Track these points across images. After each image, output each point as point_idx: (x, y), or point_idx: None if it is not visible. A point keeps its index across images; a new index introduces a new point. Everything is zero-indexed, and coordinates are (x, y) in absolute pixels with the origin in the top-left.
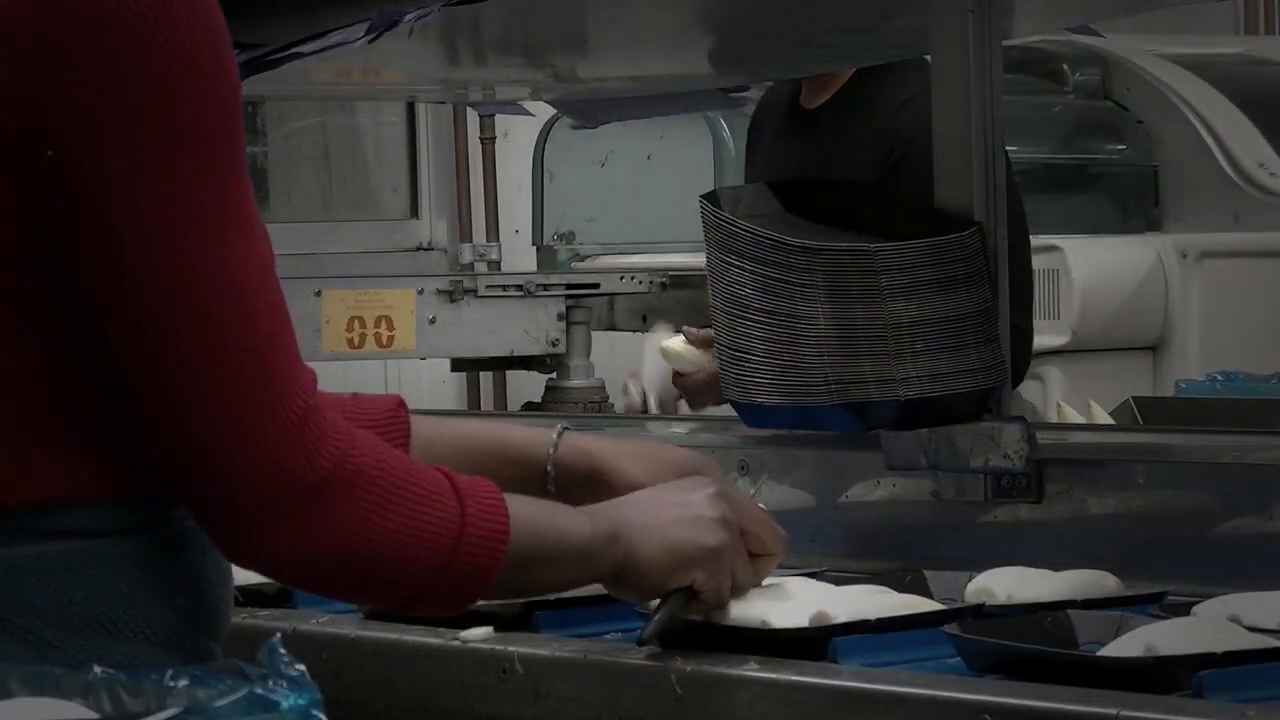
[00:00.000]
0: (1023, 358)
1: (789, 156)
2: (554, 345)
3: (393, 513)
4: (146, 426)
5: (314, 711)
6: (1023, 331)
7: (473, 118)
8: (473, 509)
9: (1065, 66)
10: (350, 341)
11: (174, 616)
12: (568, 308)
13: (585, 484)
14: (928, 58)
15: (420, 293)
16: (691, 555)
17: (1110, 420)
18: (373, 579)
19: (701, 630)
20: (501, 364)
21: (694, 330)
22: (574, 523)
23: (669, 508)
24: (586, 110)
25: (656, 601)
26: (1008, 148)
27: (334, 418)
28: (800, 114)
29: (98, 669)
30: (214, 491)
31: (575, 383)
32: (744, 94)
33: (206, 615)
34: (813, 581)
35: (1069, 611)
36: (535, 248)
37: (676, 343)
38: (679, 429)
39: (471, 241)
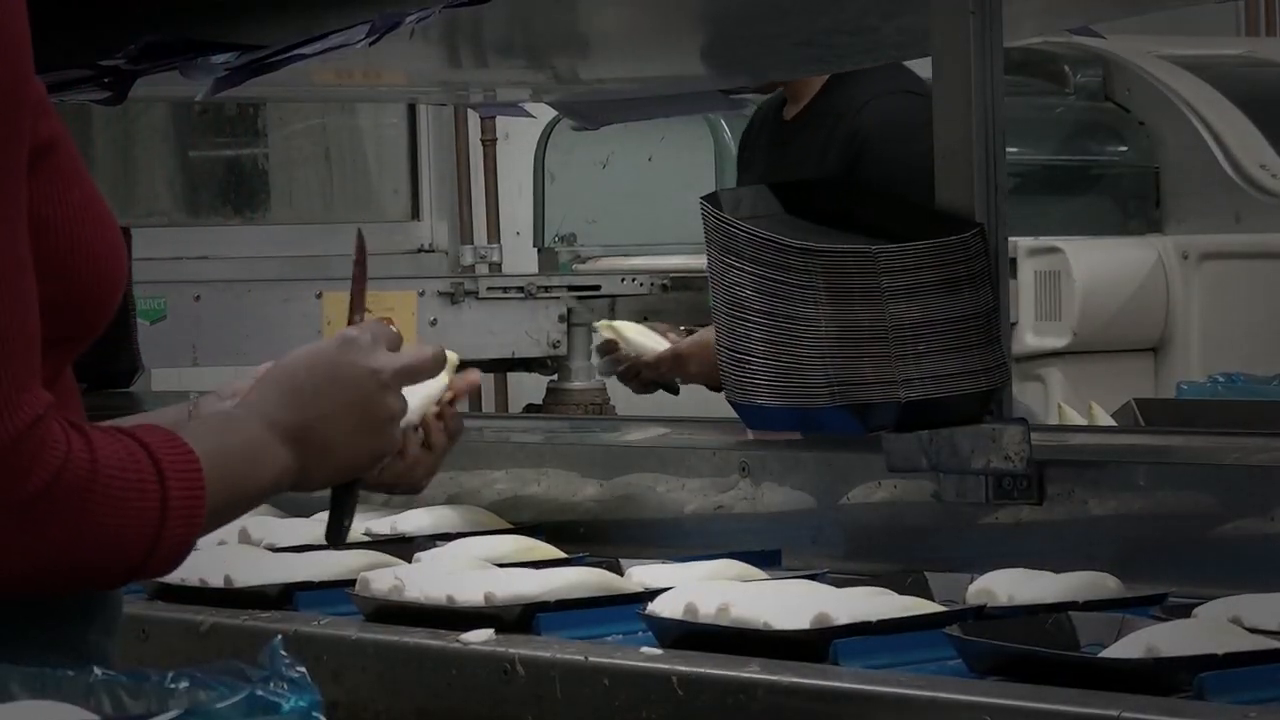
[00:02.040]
0: None
1: (771, 169)
2: (555, 347)
3: (100, 517)
4: None
5: (315, 713)
6: None
7: (474, 119)
8: (174, 488)
9: (1066, 68)
10: None
11: None
12: (569, 309)
13: None
14: (905, 61)
15: (421, 294)
16: (369, 465)
17: (1111, 422)
18: (81, 579)
19: (703, 632)
20: (503, 366)
21: (659, 326)
22: (261, 470)
23: (345, 426)
24: (587, 112)
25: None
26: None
27: (55, 428)
28: (781, 126)
29: (99, 671)
30: None
31: (576, 384)
32: (744, 95)
33: None
34: (814, 583)
35: (1070, 613)
36: (536, 249)
37: (625, 325)
38: (680, 428)
39: (472, 243)
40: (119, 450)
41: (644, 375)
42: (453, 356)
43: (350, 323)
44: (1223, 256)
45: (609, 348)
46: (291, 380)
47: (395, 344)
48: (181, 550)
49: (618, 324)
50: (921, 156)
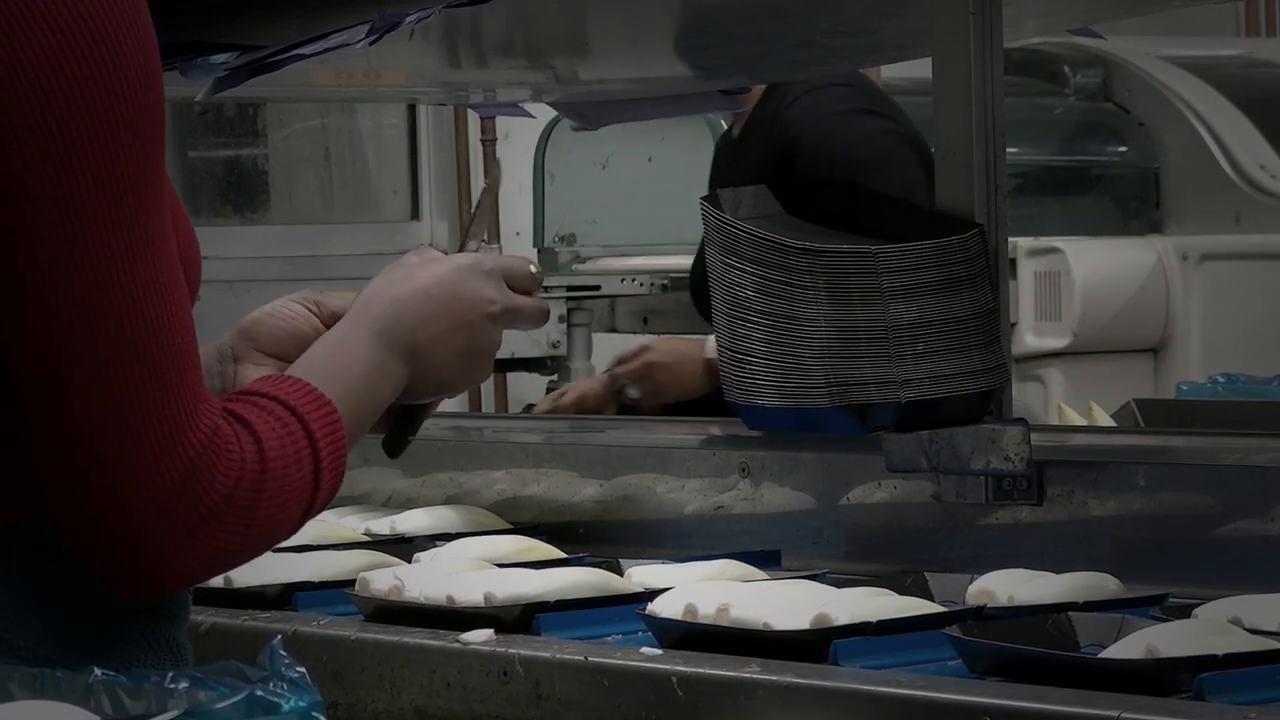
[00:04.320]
0: None
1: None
2: (555, 347)
3: (270, 506)
4: (40, 445)
5: (314, 714)
6: None
7: (473, 120)
8: (324, 449)
9: (1066, 68)
10: None
11: (29, 633)
12: (569, 310)
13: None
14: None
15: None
16: (457, 390)
17: (1111, 422)
18: (240, 563)
19: (703, 632)
20: (502, 366)
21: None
22: (380, 394)
23: (452, 347)
24: (587, 112)
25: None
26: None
27: (228, 431)
28: (732, 146)
29: (98, 671)
30: (110, 510)
31: None
32: (745, 95)
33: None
34: (814, 584)
35: (1070, 614)
36: (536, 250)
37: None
38: (682, 429)
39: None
40: (278, 430)
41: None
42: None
43: (462, 248)
44: (1223, 257)
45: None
46: (411, 294)
47: (521, 281)
48: (331, 498)
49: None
50: (859, 144)
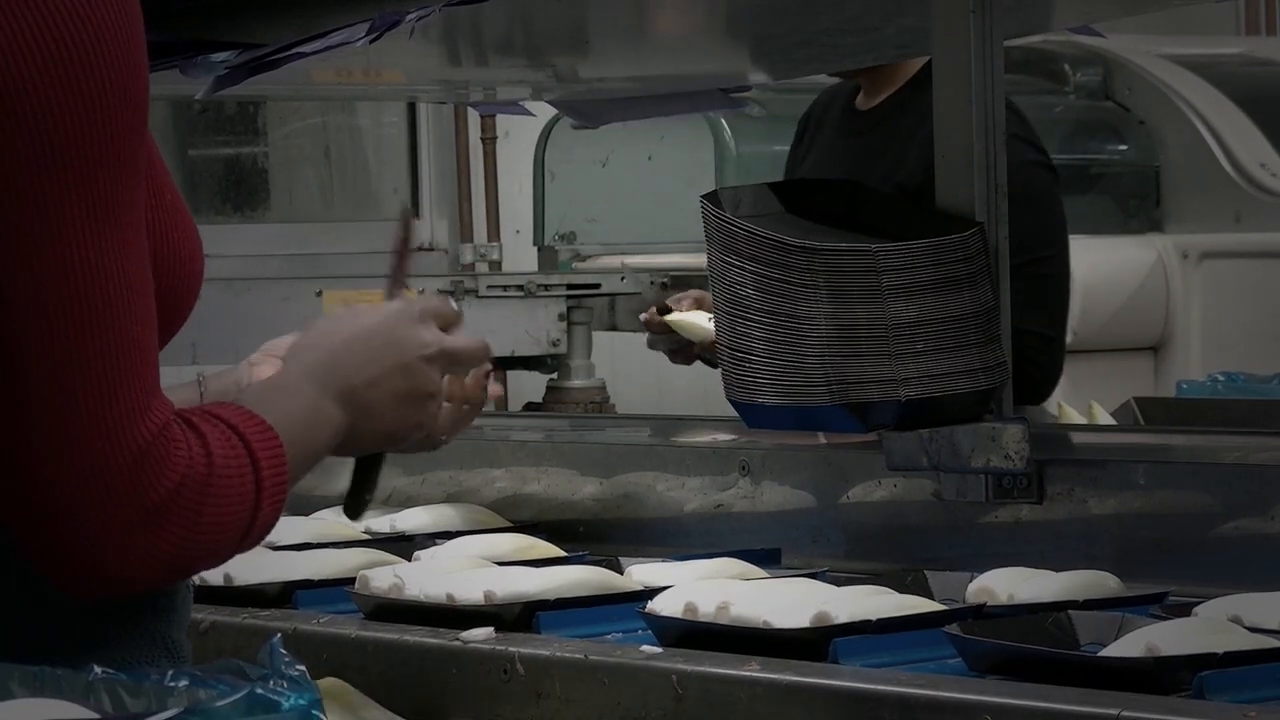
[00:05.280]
0: (1052, 365)
1: (837, 157)
2: (555, 345)
3: (214, 513)
4: None
5: (314, 712)
6: (1049, 339)
7: (473, 118)
8: (265, 469)
9: (1066, 67)
10: None
11: (24, 630)
12: (569, 308)
13: None
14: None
15: (421, 293)
16: (403, 439)
17: (1111, 421)
18: (187, 573)
19: (703, 631)
20: (502, 364)
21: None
22: (321, 433)
23: (391, 390)
24: (587, 111)
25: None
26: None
27: (177, 431)
28: (853, 114)
29: (98, 669)
30: (56, 496)
31: (576, 383)
32: (745, 94)
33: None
34: (814, 582)
35: (1070, 612)
36: (536, 248)
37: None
38: (680, 427)
39: (472, 242)
40: (224, 442)
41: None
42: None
43: (389, 297)
44: (1223, 256)
45: (660, 328)
46: (342, 342)
47: (448, 321)
48: (269, 528)
49: (685, 320)
50: (1012, 172)
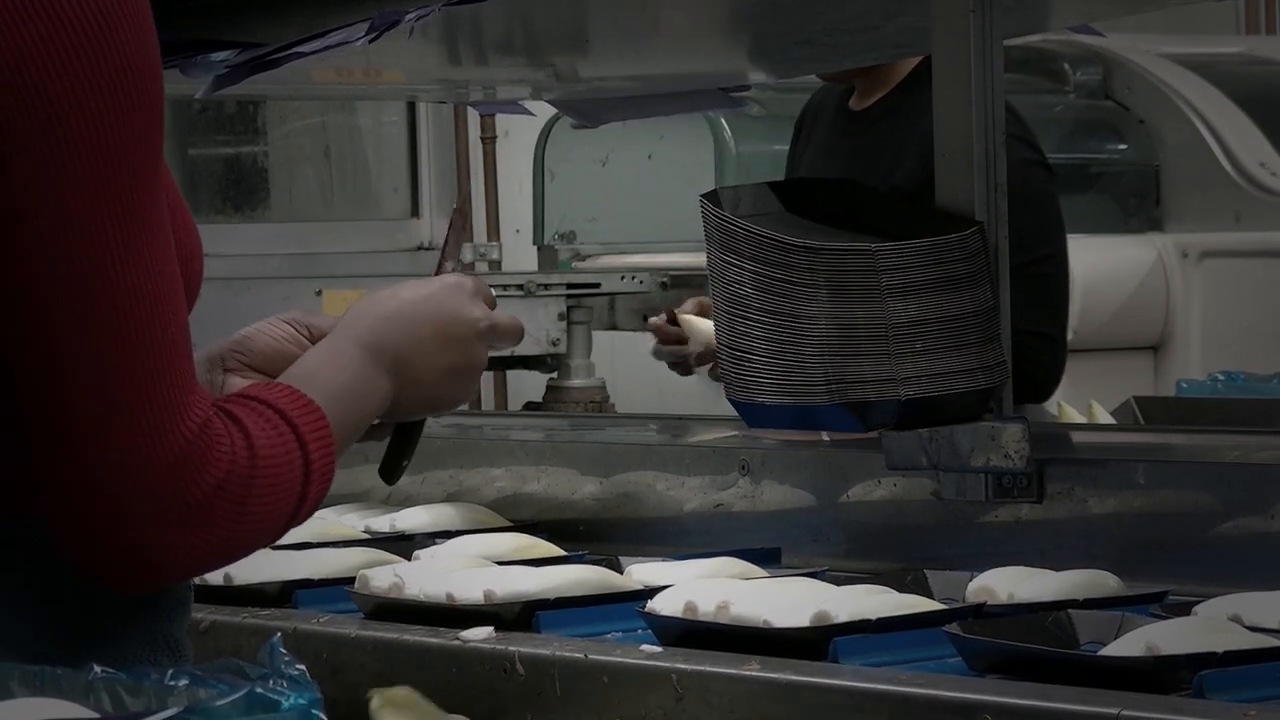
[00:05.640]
0: (1055, 364)
1: (833, 157)
2: (555, 345)
3: (259, 503)
4: (33, 431)
5: (314, 711)
6: (1051, 338)
7: (473, 117)
8: (313, 452)
9: (1066, 66)
10: None
11: (27, 627)
12: (568, 307)
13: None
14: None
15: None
16: (445, 408)
17: (1111, 420)
18: (230, 561)
19: (703, 630)
20: (502, 363)
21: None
22: (367, 404)
23: (439, 364)
24: (587, 110)
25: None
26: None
27: (219, 425)
28: (848, 115)
29: (98, 668)
30: (100, 496)
31: (576, 382)
32: (745, 94)
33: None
34: (814, 581)
35: (1070, 611)
36: (536, 247)
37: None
38: (680, 427)
39: (472, 241)
40: (269, 430)
41: (696, 367)
42: None
43: (439, 271)
44: (1223, 255)
45: (669, 337)
46: (396, 311)
47: (490, 300)
48: (318, 506)
49: (696, 322)
50: (1010, 170)
